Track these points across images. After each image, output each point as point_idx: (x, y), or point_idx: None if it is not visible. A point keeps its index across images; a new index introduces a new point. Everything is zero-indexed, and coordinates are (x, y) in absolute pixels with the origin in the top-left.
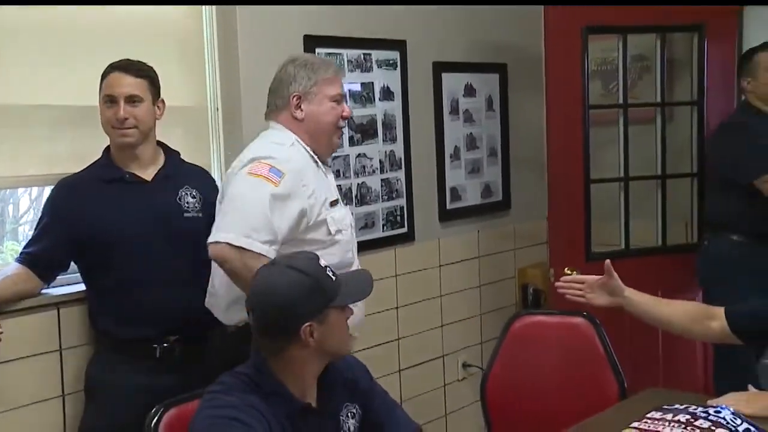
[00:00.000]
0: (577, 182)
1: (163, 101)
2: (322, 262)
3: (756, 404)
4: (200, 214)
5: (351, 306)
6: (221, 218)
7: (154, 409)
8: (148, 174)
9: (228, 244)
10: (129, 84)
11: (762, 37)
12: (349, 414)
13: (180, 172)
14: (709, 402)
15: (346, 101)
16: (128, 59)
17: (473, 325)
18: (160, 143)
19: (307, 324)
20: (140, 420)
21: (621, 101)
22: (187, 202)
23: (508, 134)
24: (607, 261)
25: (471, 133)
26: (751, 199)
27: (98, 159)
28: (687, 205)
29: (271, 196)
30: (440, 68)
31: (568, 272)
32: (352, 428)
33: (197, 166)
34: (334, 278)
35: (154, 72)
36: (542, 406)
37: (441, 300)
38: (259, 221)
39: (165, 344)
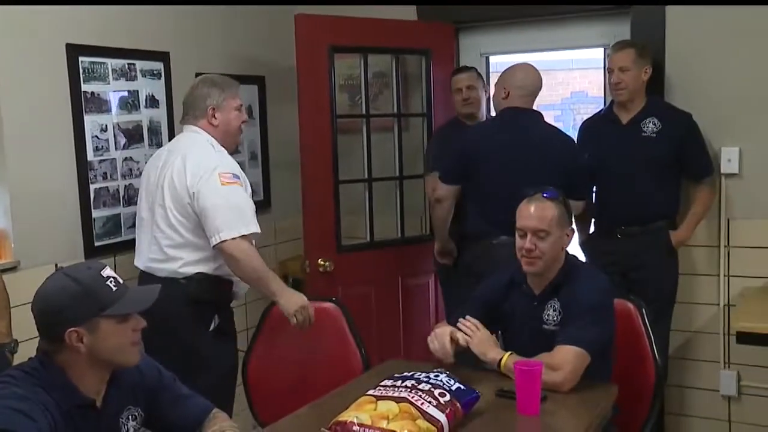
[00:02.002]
0: (328, 183)
1: None
2: (106, 273)
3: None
4: None
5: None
6: (217, 221)
7: None
8: None
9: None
10: None
11: (471, 60)
12: (130, 416)
13: None
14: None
15: (243, 110)
16: None
17: (239, 313)
18: None
19: (72, 330)
20: None
21: (364, 112)
22: None
23: (267, 140)
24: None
25: None
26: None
27: None
28: (421, 202)
29: (244, 192)
30: None
31: (322, 262)
32: (131, 430)
33: None
34: (114, 289)
35: None
36: (297, 381)
37: None
38: (248, 213)
39: None
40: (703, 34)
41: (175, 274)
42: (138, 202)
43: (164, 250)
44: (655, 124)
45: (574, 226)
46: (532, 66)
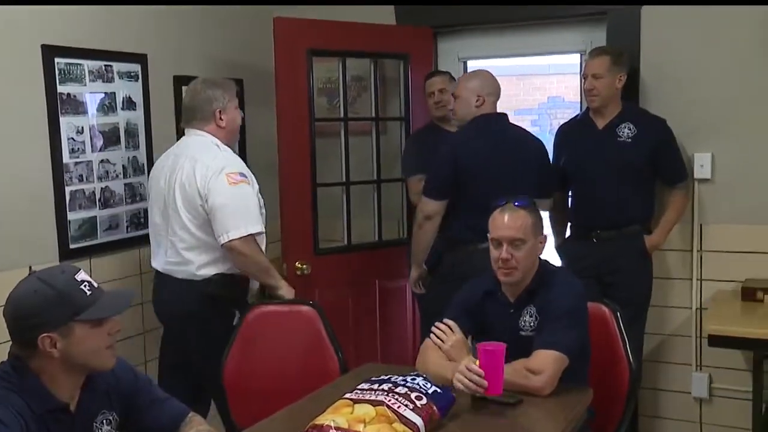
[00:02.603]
0: (305, 186)
1: None
2: (80, 277)
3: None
4: None
5: None
6: (225, 221)
7: None
8: None
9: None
10: None
11: (449, 64)
12: (104, 421)
13: None
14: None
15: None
16: None
17: None
18: None
19: (45, 335)
20: None
21: (342, 115)
22: None
23: (245, 142)
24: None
25: None
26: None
27: None
28: (398, 205)
29: (251, 190)
30: (180, 81)
31: (299, 265)
32: None
33: None
34: (89, 293)
35: None
36: (274, 385)
37: None
38: (254, 212)
39: None
40: (678, 41)
41: (194, 276)
42: (149, 206)
43: (180, 253)
44: (630, 130)
45: (550, 231)
46: (489, 72)
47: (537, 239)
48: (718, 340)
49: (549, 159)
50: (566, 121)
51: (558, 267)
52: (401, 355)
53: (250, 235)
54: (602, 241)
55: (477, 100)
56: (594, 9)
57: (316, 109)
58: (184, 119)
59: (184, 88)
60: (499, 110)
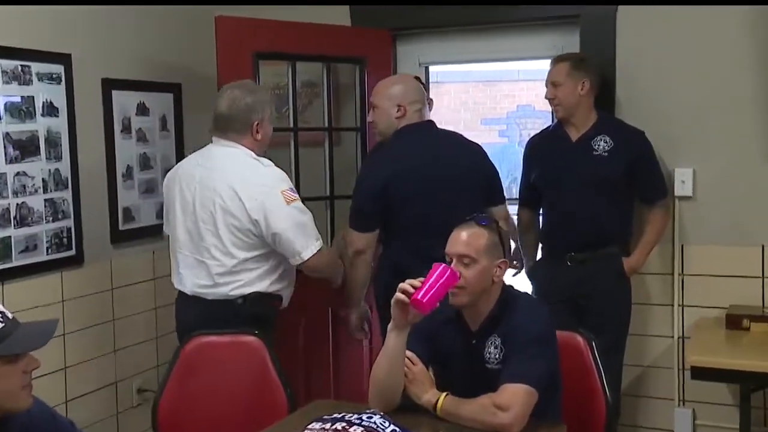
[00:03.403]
0: None
1: None
2: None
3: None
4: None
5: None
6: (295, 244)
7: None
8: None
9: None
10: None
11: (409, 69)
12: None
13: None
14: None
15: None
16: None
17: (149, 348)
18: None
19: None
20: None
21: (292, 125)
22: None
23: (183, 154)
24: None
25: (145, 153)
26: None
27: None
28: None
29: (303, 205)
30: (110, 85)
31: None
32: None
33: None
34: (2, 325)
35: None
36: (215, 424)
37: (114, 324)
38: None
39: None
40: (656, 46)
41: (227, 297)
42: (169, 221)
43: (213, 277)
44: (606, 143)
45: (526, 253)
46: (411, 76)
47: (493, 262)
48: (701, 373)
49: (490, 161)
50: (537, 132)
51: (520, 291)
52: (356, 391)
53: (320, 250)
54: (577, 263)
55: (398, 111)
56: (566, 11)
57: None
58: (216, 128)
59: (219, 93)
60: (427, 118)
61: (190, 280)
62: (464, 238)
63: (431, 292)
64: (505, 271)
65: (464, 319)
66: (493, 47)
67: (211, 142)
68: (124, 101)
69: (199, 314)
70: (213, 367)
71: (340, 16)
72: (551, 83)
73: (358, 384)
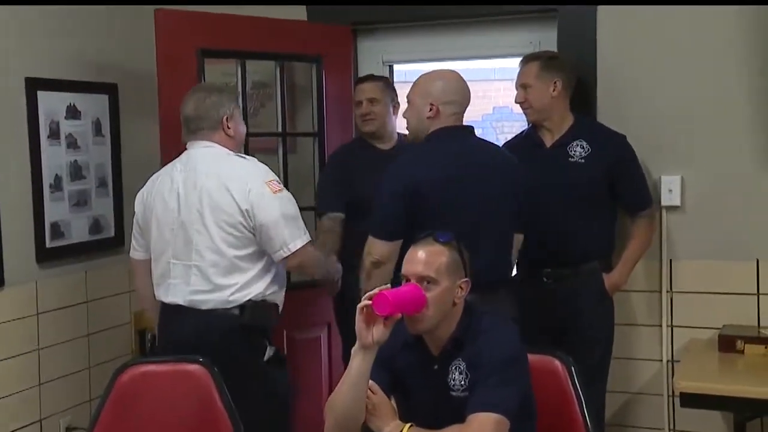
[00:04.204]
0: None
1: None
2: None
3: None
4: None
5: None
6: (284, 234)
7: None
8: None
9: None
10: None
11: (372, 68)
12: None
13: None
14: None
15: None
16: None
17: (81, 380)
18: None
19: None
20: None
21: None
22: None
23: (120, 162)
24: None
25: (76, 161)
26: None
27: None
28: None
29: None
30: (35, 85)
31: None
32: None
33: None
34: None
35: None
36: None
37: (39, 353)
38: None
39: None
40: (641, 44)
41: (225, 304)
42: (145, 231)
43: (210, 279)
44: (583, 148)
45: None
46: (456, 73)
47: (454, 282)
48: (691, 400)
49: (525, 180)
50: (512, 137)
51: (485, 310)
52: (314, 421)
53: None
54: (554, 280)
55: (430, 110)
56: (542, 7)
57: None
58: (187, 131)
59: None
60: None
61: (183, 288)
62: (423, 257)
63: (398, 301)
64: (467, 291)
65: (425, 343)
66: (464, 44)
67: (185, 148)
68: (51, 103)
69: (194, 327)
70: (151, 401)
71: (295, 13)
72: (521, 85)
73: (316, 413)
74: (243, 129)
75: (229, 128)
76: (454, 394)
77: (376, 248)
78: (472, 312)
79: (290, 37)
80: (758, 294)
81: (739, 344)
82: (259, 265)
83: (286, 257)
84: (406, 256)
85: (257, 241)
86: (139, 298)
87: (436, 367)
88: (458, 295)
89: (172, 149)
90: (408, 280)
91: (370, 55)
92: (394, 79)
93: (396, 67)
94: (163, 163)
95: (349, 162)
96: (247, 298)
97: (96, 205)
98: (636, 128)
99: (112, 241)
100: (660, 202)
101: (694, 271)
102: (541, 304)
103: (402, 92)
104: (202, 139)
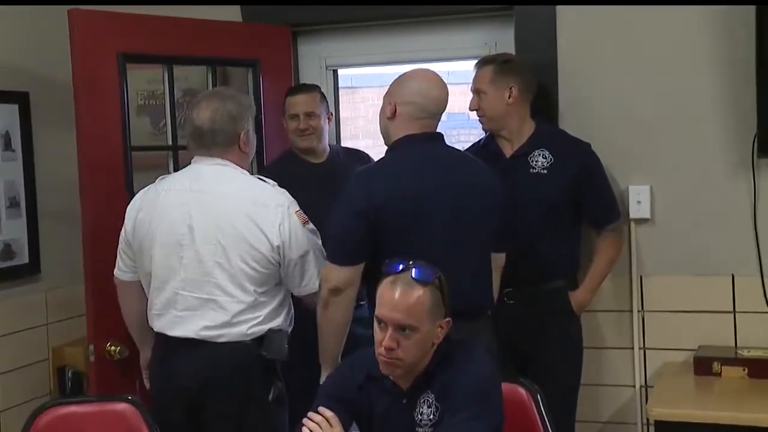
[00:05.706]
0: (119, 239)
1: None
2: None
3: None
4: None
5: None
6: (313, 269)
7: None
8: None
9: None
10: None
11: (314, 73)
12: None
13: None
14: None
15: None
16: None
17: None
18: None
19: None
20: None
21: (170, 142)
22: None
23: (33, 180)
24: None
25: None
26: None
27: None
28: None
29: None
30: None
31: (112, 348)
32: None
33: None
34: None
35: None
36: None
37: None
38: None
39: None
40: (603, 46)
41: (243, 337)
42: (137, 252)
43: (231, 315)
44: (545, 158)
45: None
46: (435, 75)
47: (434, 324)
48: (667, 428)
49: (504, 195)
50: (468, 146)
51: (461, 339)
52: None
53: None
54: (516, 301)
55: (389, 110)
56: (496, 7)
57: (133, 135)
58: (197, 145)
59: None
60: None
61: (196, 322)
62: (403, 303)
63: None
64: (447, 330)
65: (392, 379)
66: (414, 46)
67: (192, 161)
68: None
69: (204, 361)
70: None
71: (228, 14)
72: (474, 91)
73: None
74: (255, 142)
75: (245, 145)
76: (419, 430)
77: (333, 274)
78: (447, 342)
79: (223, 39)
80: (734, 312)
81: (716, 366)
82: (279, 298)
83: (310, 293)
84: (380, 295)
85: (281, 275)
86: (126, 324)
87: (404, 401)
88: (438, 335)
89: (92, 167)
90: (382, 323)
91: (312, 58)
92: (339, 85)
93: (341, 71)
94: (83, 181)
95: (284, 181)
96: (265, 330)
97: (6, 228)
98: (601, 135)
99: (26, 268)
100: (628, 214)
101: (666, 288)
102: (503, 327)
103: (350, 98)
104: (214, 156)
